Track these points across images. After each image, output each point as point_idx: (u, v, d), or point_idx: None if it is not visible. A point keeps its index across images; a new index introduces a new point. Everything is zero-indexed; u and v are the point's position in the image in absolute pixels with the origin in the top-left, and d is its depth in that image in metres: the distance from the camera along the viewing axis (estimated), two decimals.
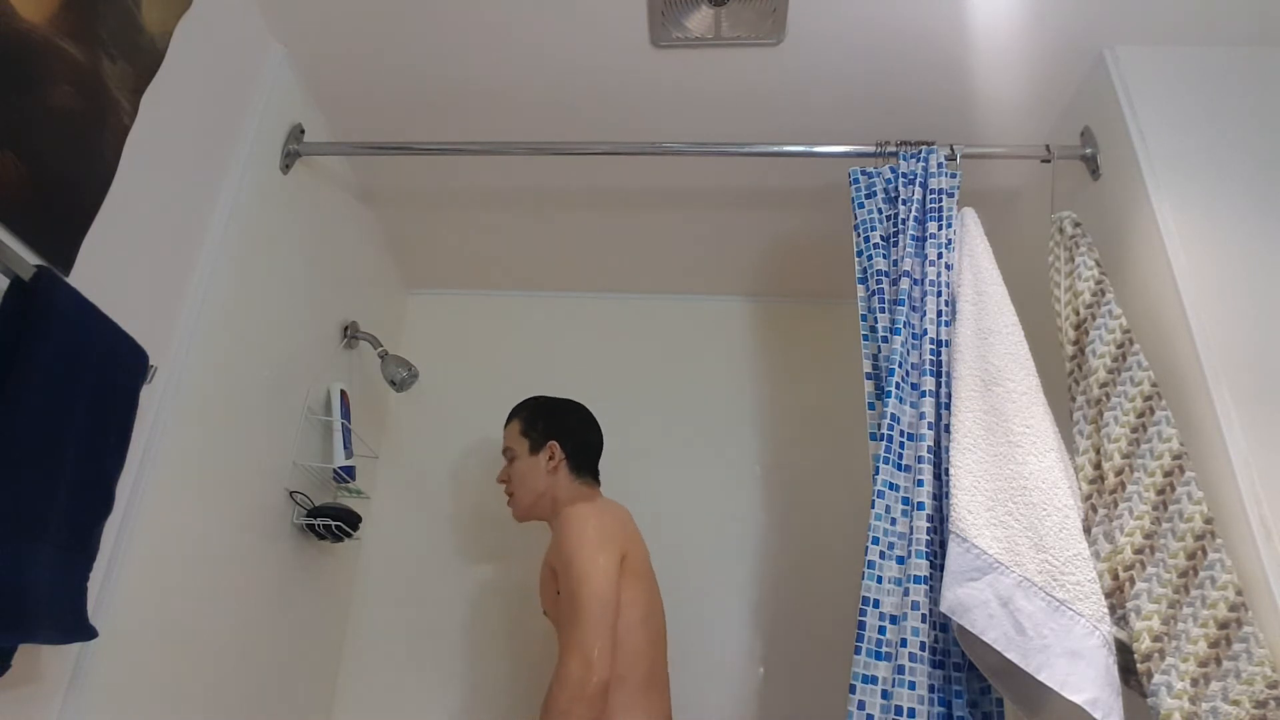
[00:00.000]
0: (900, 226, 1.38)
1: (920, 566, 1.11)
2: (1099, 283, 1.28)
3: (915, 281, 1.32)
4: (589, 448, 1.66)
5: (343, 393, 1.76)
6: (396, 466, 2.10)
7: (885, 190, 1.44)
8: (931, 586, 1.12)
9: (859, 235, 1.42)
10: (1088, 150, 1.49)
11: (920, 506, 1.15)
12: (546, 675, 1.52)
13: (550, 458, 1.59)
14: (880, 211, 1.42)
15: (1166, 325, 1.25)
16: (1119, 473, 1.14)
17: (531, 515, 1.61)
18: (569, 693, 1.26)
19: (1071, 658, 0.99)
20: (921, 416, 1.21)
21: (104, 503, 0.99)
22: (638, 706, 1.35)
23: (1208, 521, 1.05)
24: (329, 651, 1.85)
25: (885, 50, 1.50)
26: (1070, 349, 1.30)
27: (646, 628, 1.42)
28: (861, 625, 1.10)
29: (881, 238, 1.39)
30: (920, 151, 1.43)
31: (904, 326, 1.27)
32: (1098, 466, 1.19)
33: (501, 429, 1.70)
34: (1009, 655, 1.01)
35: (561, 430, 1.63)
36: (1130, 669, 1.06)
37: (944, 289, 1.31)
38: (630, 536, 1.48)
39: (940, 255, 1.33)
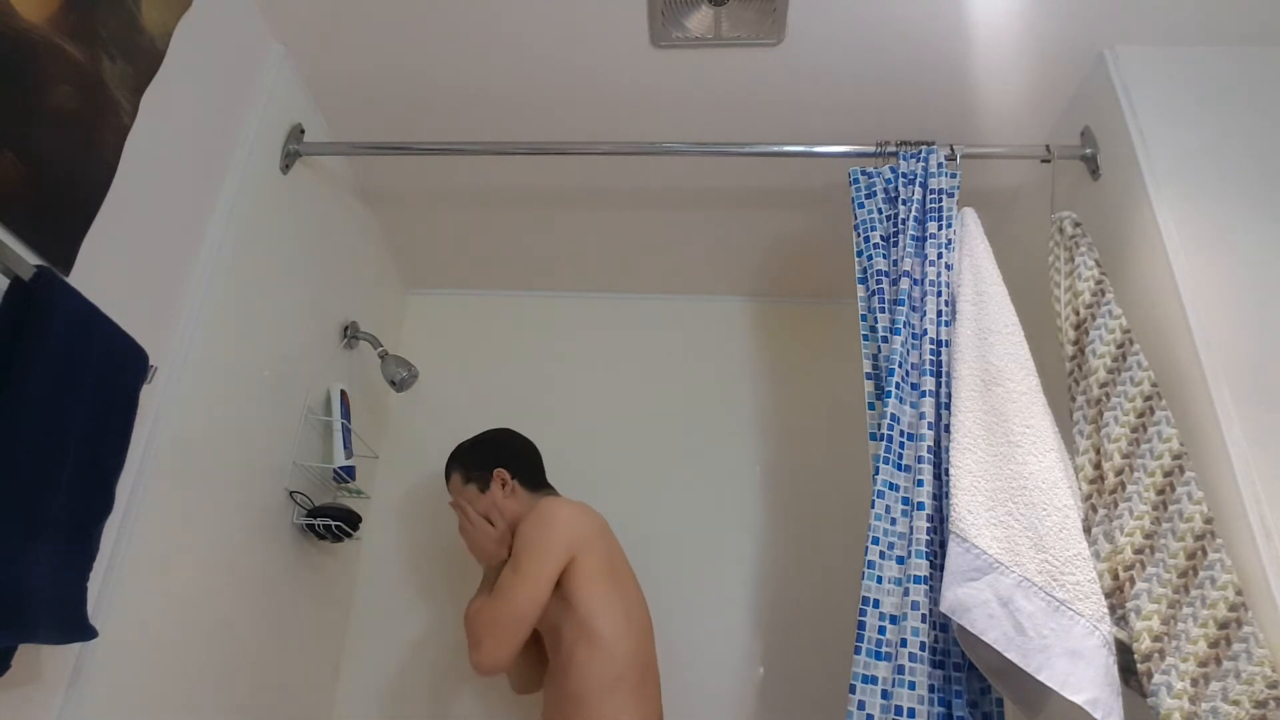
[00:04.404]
0: (900, 226, 1.38)
1: (920, 566, 1.11)
2: (1099, 283, 1.28)
3: (915, 281, 1.32)
4: (531, 461, 1.69)
5: (343, 393, 1.76)
6: (396, 466, 2.10)
7: (885, 190, 1.44)
8: (931, 586, 1.12)
9: (859, 235, 1.42)
10: (1088, 150, 1.49)
11: (920, 506, 1.15)
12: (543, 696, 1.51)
13: (503, 484, 1.61)
14: (880, 211, 1.42)
15: (1166, 325, 1.25)
16: (1119, 473, 1.14)
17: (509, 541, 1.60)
18: (476, 632, 1.37)
19: (1071, 658, 0.99)
20: (921, 416, 1.21)
21: (104, 503, 0.99)
22: (635, 706, 1.37)
23: (1208, 521, 1.05)
24: (329, 651, 1.85)
25: (885, 50, 1.50)
26: (1070, 349, 1.30)
27: (632, 627, 1.43)
28: (861, 625, 1.10)
29: (881, 238, 1.39)
30: (920, 151, 1.43)
31: (904, 326, 1.27)
32: (1098, 466, 1.19)
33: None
34: (1009, 655, 1.01)
35: (499, 457, 1.65)
36: (1130, 669, 1.06)
37: (944, 289, 1.31)
38: (595, 537, 1.47)
39: (940, 255, 1.33)
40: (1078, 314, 1.29)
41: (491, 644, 1.34)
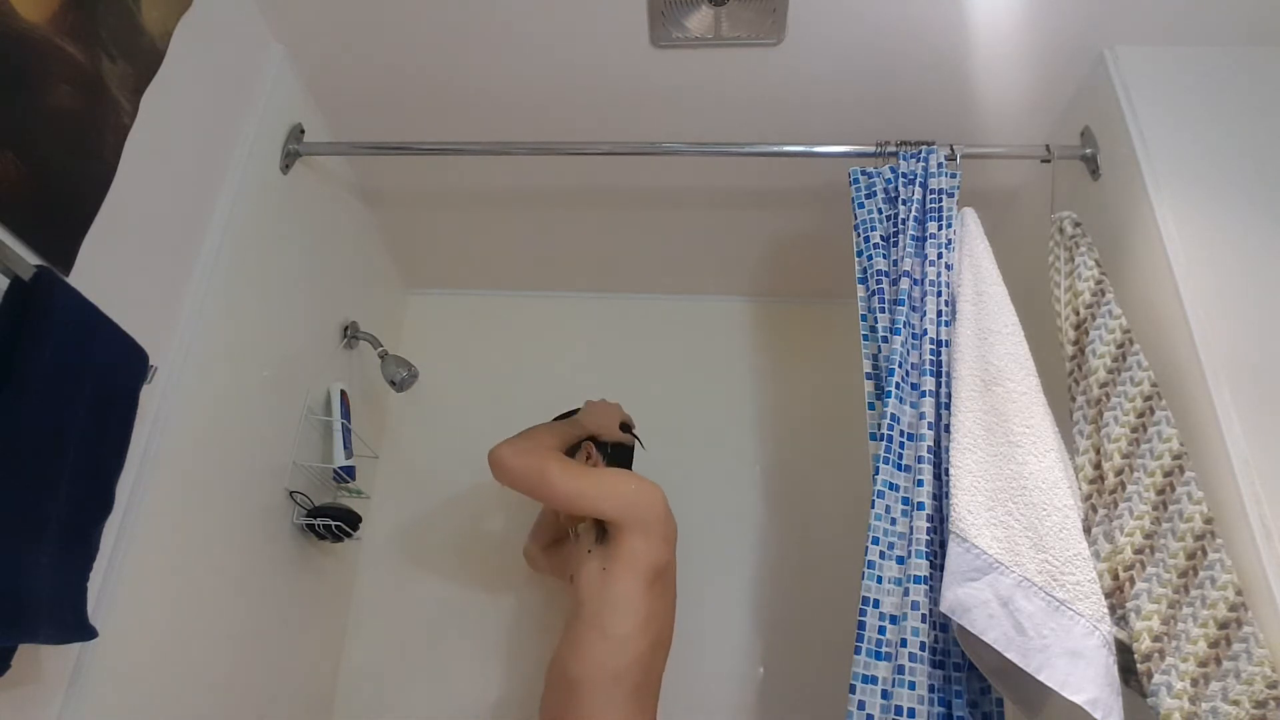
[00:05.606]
0: (900, 226, 1.37)
1: (920, 566, 1.11)
2: (1099, 283, 1.28)
3: (915, 281, 1.32)
4: (623, 448, 1.72)
5: (343, 393, 1.76)
6: (396, 466, 2.10)
7: (885, 190, 1.44)
8: (931, 586, 1.12)
9: (859, 235, 1.42)
10: (1088, 150, 1.49)
11: (920, 506, 1.15)
12: (544, 676, 1.52)
13: (587, 458, 1.65)
14: (880, 211, 1.42)
15: (1166, 325, 1.25)
16: (1119, 473, 1.14)
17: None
18: (530, 439, 1.51)
19: (1071, 658, 0.99)
20: (921, 416, 1.21)
21: (104, 503, 0.99)
22: (628, 707, 1.37)
23: (1208, 521, 1.05)
24: (329, 651, 1.85)
25: (885, 50, 1.50)
26: (1070, 349, 1.30)
27: (647, 633, 1.43)
28: (861, 625, 1.10)
29: (881, 238, 1.39)
30: (920, 151, 1.43)
31: (904, 326, 1.27)
32: (1098, 466, 1.19)
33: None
34: (1009, 655, 1.01)
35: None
36: (1130, 669, 1.06)
37: (944, 289, 1.31)
38: (660, 531, 1.49)
39: (940, 255, 1.33)
40: (1078, 314, 1.29)
41: (523, 458, 1.45)
